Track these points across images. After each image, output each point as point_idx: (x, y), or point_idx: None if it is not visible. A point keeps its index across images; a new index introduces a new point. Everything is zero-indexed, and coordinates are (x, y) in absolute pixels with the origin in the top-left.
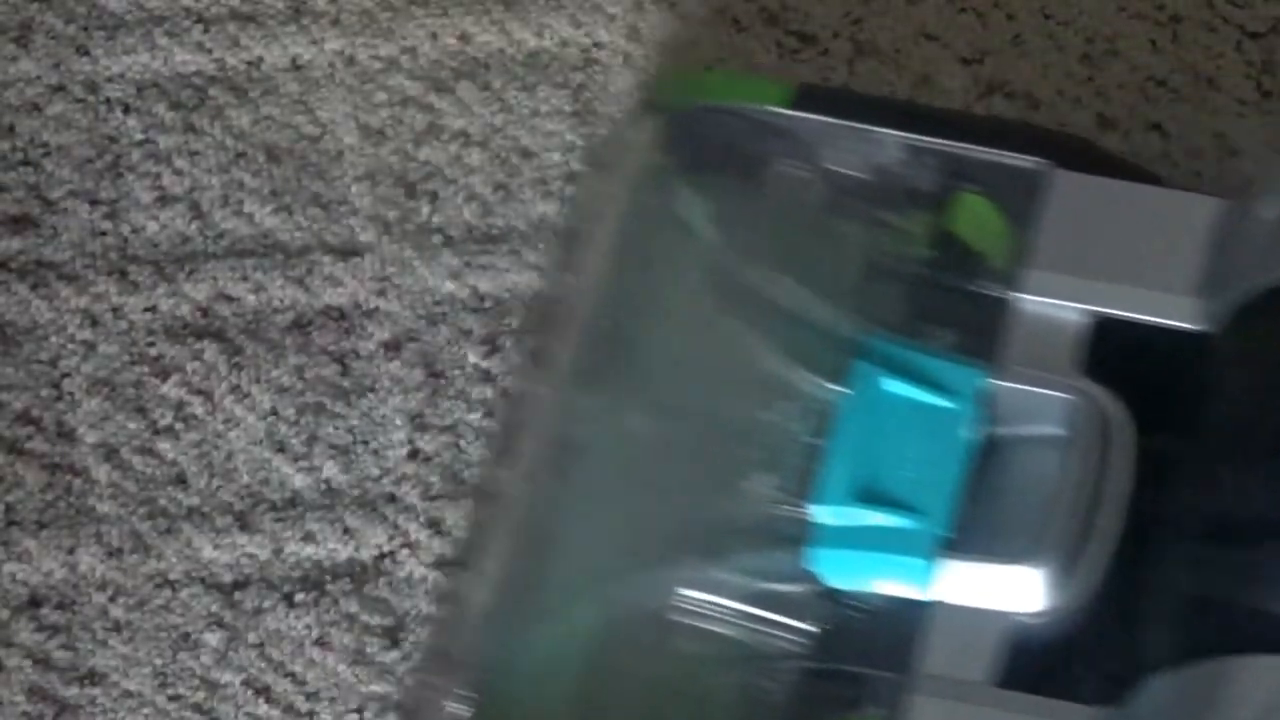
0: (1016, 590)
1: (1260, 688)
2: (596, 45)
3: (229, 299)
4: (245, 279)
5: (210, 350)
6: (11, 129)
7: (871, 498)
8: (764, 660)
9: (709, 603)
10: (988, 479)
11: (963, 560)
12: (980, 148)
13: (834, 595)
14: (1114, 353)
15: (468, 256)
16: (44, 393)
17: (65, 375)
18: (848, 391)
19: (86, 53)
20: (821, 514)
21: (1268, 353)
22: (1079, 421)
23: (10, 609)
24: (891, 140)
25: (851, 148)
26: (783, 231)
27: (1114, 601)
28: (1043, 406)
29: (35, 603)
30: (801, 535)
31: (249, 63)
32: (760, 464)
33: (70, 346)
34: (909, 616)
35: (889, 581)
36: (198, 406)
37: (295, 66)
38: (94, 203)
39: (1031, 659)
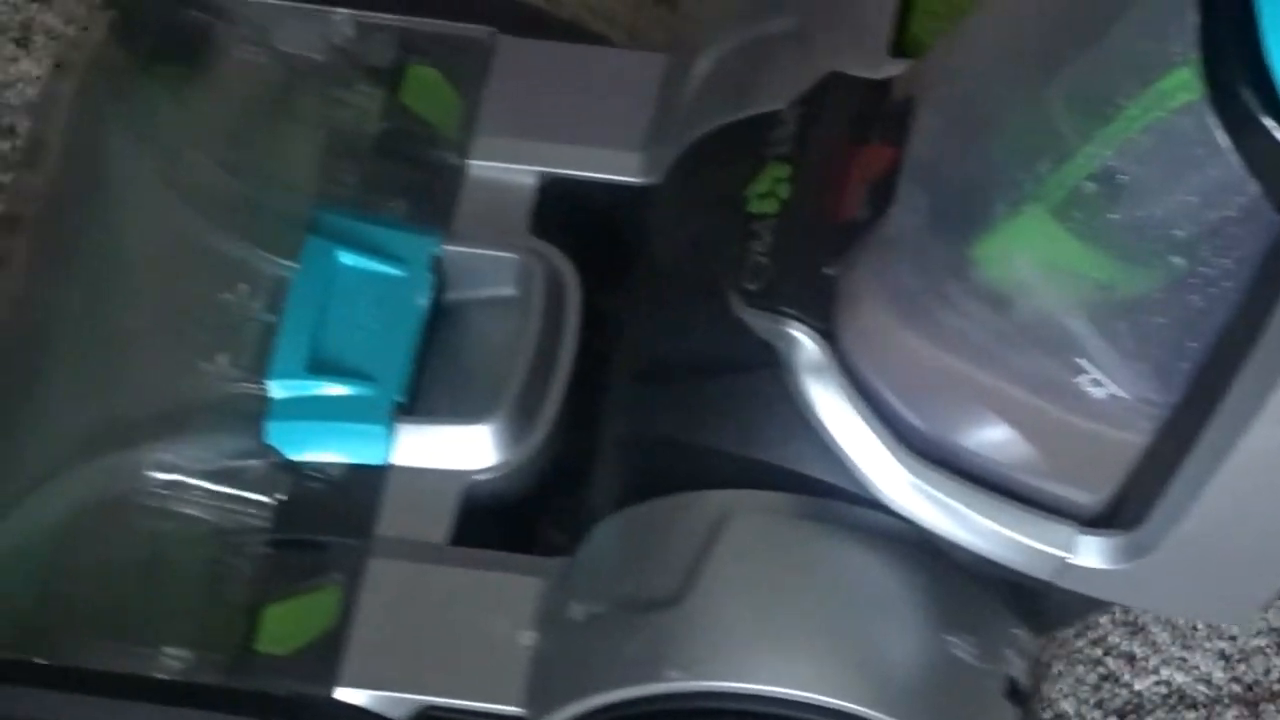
0: (468, 449)
1: (691, 523)
2: None
3: None
4: None
5: None
6: (12, 129)
7: (325, 369)
8: (229, 536)
9: (174, 483)
10: (443, 343)
11: (416, 424)
12: (426, 20)
13: (295, 467)
14: (564, 211)
15: None
16: None
17: None
18: (299, 266)
19: None
20: (276, 388)
21: (693, 199)
22: (528, 280)
23: None
24: (342, 18)
25: (304, 27)
26: (238, 115)
27: (568, 454)
28: (494, 268)
29: None
30: (260, 411)
31: None
32: (219, 345)
33: None
34: (367, 482)
35: (346, 450)
36: None
37: None
38: None
39: (488, 516)
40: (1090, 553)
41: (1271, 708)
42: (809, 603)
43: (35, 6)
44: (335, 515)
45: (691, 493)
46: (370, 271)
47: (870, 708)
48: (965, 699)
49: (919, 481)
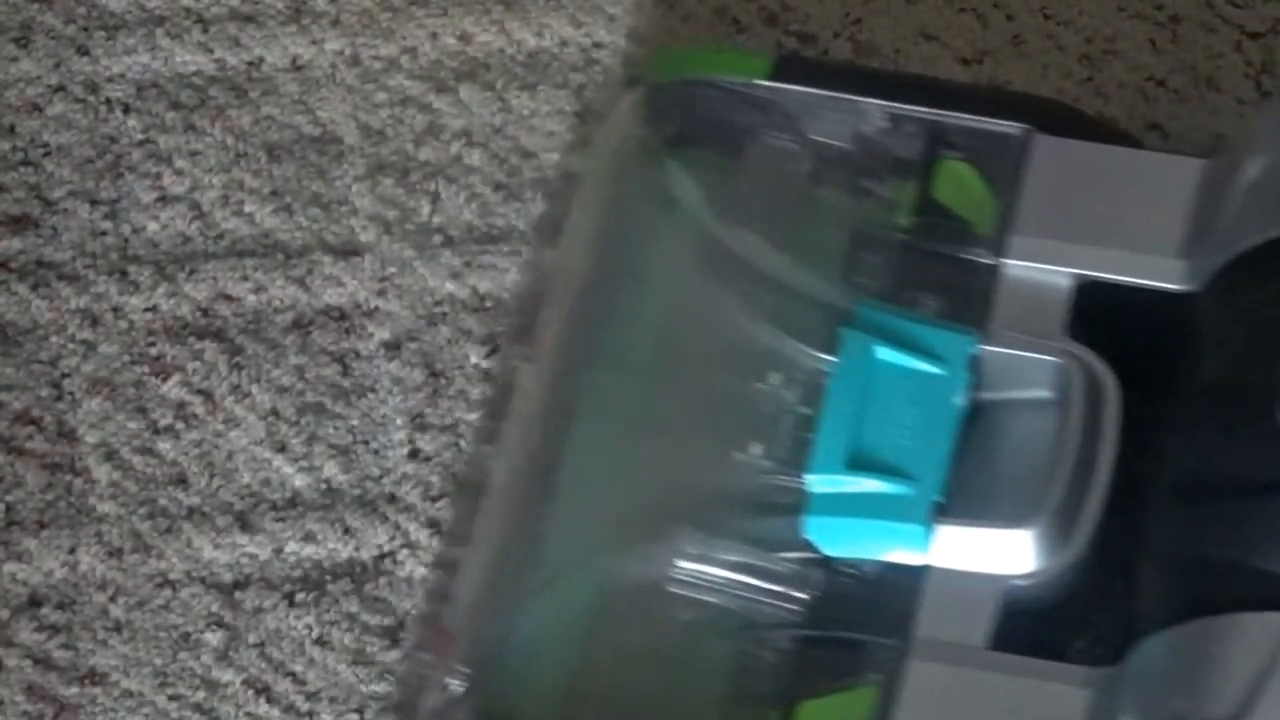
0: (1008, 553)
1: (1251, 645)
2: (596, 45)
3: (229, 299)
4: (245, 279)
5: (210, 350)
6: (11, 129)
7: (865, 465)
8: (760, 629)
9: (704, 573)
10: (978, 443)
11: (955, 525)
12: (961, 114)
13: (829, 563)
14: (1100, 315)
15: (468, 256)
16: (44, 393)
17: (65, 375)
18: (837, 360)
19: (86, 53)
20: (816, 482)
21: (1250, 310)
22: (1066, 384)
23: (10, 609)
24: (873, 109)
25: (833, 117)
26: (767, 202)
27: (1105, 562)
28: (1030, 370)
29: (35, 603)
30: (795, 504)
31: (249, 63)
32: (752, 434)
33: (70, 346)
34: (904, 582)
35: (884, 548)
36: (198, 406)
37: (295, 66)
38: (94, 203)
39: (1025, 621)
40: None
41: None
42: None
43: (35, 6)
44: (871, 613)
45: (1248, 614)
46: (907, 368)
47: None
48: None
49: None
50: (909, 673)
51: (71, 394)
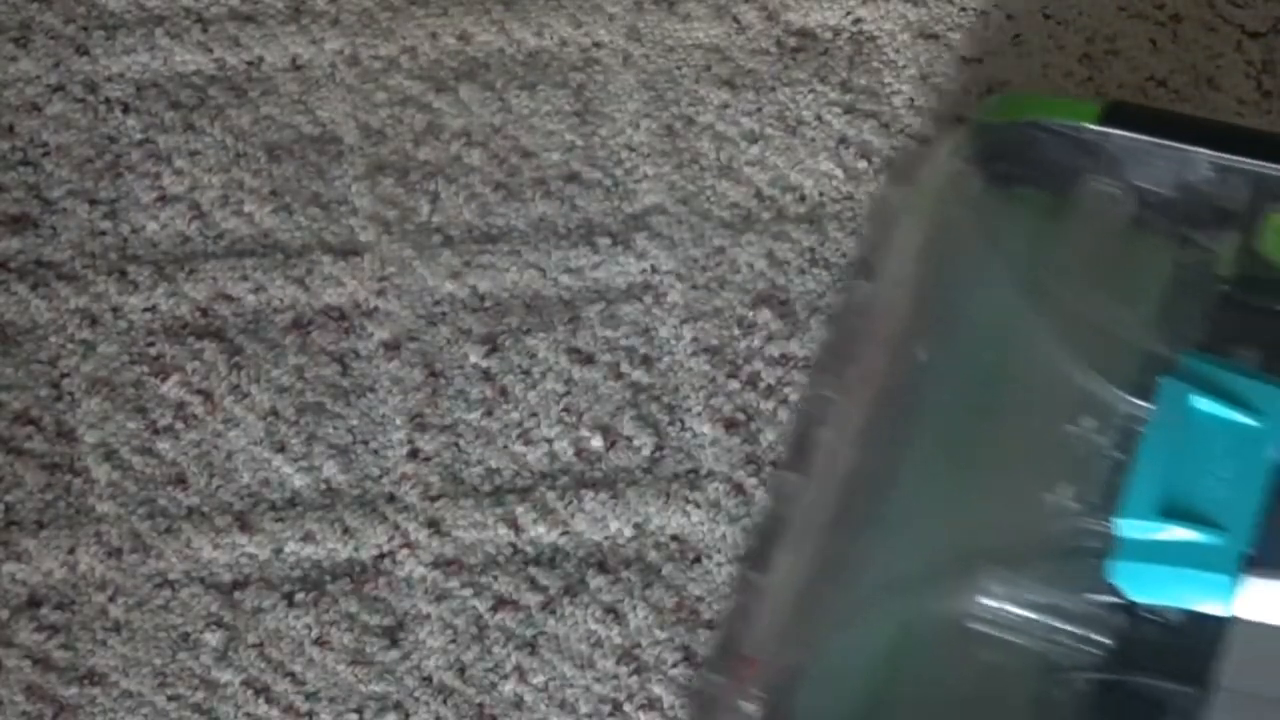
0: None
1: None
2: (596, 45)
3: (229, 299)
4: (245, 279)
5: (210, 350)
6: (11, 129)
7: (1176, 513)
8: (1060, 672)
9: (1007, 612)
10: None
11: (1266, 578)
12: None
13: (1133, 609)
14: None
15: (467, 255)
16: (44, 393)
17: (65, 375)
18: (1154, 407)
19: (86, 53)
20: (1126, 527)
21: None
22: None
23: (10, 609)
24: (1201, 159)
25: (1160, 165)
26: (1090, 246)
27: None
28: None
29: (35, 603)
30: (1103, 548)
31: (249, 63)
32: (1064, 476)
33: (70, 346)
34: (1209, 632)
35: (1190, 596)
36: (198, 406)
37: (295, 66)
38: (94, 203)
39: None
40: None
41: None
42: None
43: (35, 6)
44: (1173, 662)
45: None
46: (1224, 419)
47: None
48: None
49: None
50: None
51: (71, 394)
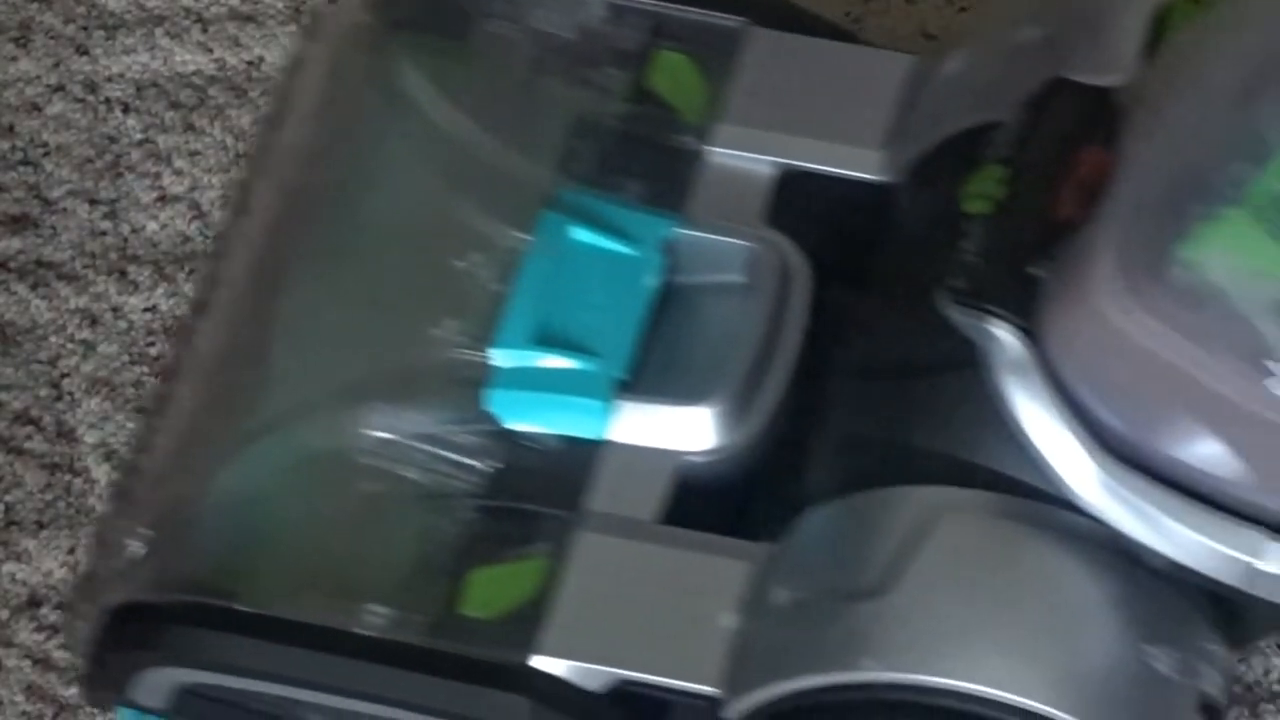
0: (686, 430)
1: (899, 518)
2: None
3: None
4: None
5: None
6: (11, 129)
7: (550, 341)
8: (442, 499)
9: (392, 444)
10: (669, 325)
11: (636, 402)
12: (679, 6)
13: (511, 436)
14: (800, 204)
15: None
16: (44, 393)
17: (65, 375)
18: (532, 239)
19: (86, 52)
20: (501, 356)
21: (928, 202)
22: (758, 269)
23: (10, 609)
24: (595, 1)
25: (557, 8)
26: (486, 89)
27: (784, 442)
28: (725, 254)
29: (35, 603)
30: (483, 378)
31: (249, 63)
32: (449, 310)
33: (70, 346)
34: (582, 456)
35: (564, 422)
36: None
37: None
38: (94, 202)
39: (701, 497)
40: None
41: (1271, 708)
42: (1010, 603)
43: (35, 6)
44: (548, 486)
45: (899, 488)
46: (602, 249)
47: (1062, 711)
48: (1158, 712)
49: (1114, 483)
50: (577, 544)
51: (71, 394)
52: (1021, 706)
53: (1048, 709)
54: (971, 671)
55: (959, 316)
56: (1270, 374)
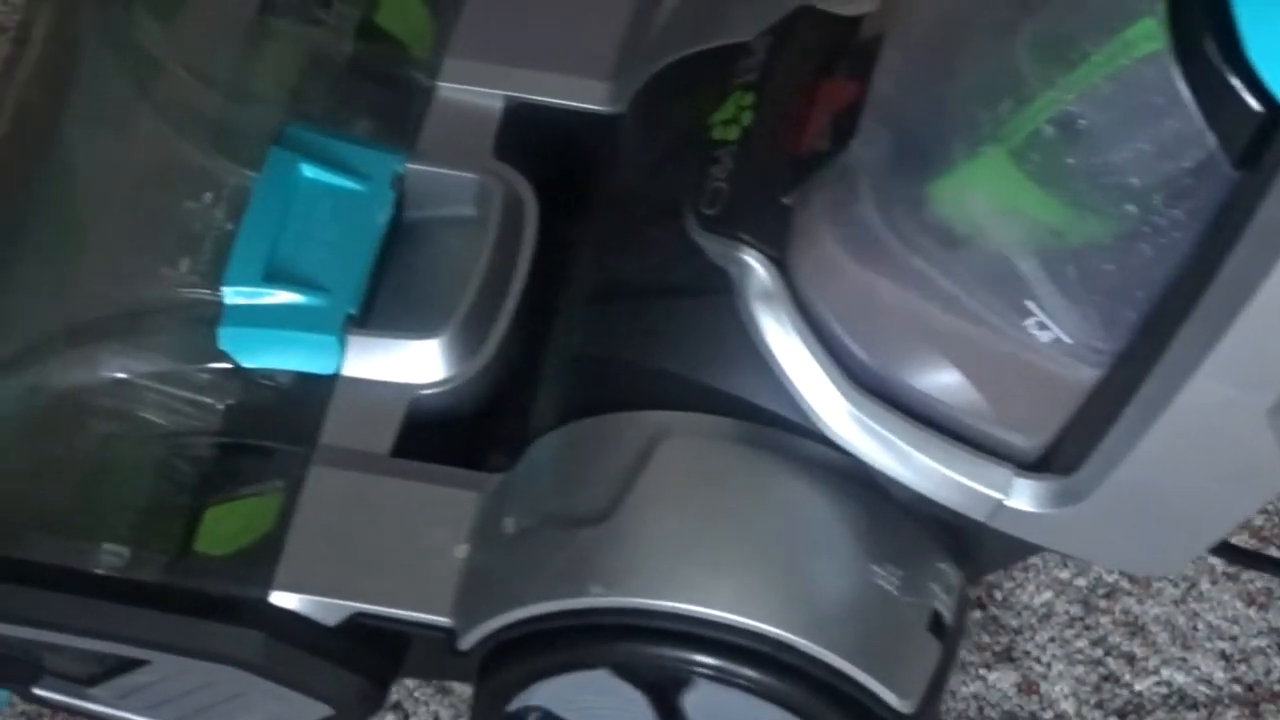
0: (416, 362)
1: (622, 443)
2: None
3: None
4: None
5: None
6: None
7: (280, 278)
8: (178, 438)
9: (127, 384)
10: (400, 260)
11: (366, 336)
12: None
13: (245, 374)
14: (528, 136)
15: None
16: None
17: None
18: (260, 176)
19: None
20: (230, 294)
21: (657, 125)
22: (486, 202)
23: None
24: None
25: None
26: (214, 31)
27: (516, 373)
28: (454, 188)
29: None
30: (217, 317)
31: None
32: (181, 251)
33: None
34: (315, 392)
35: (296, 358)
36: None
37: None
38: None
39: (432, 430)
40: (1024, 496)
41: (1272, 708)
42: (733, 525)
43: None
44: (281, 422)
45: (628, 413)
46: (331, 185)
47: (787, 631)
48: (887, 628)
49: (860, 414)
50: (310, 478)
51: None
52: (744, 627)
53: (769, 628)
54: (693, 594)
55: (709, 243)
56: (1029, 314)
